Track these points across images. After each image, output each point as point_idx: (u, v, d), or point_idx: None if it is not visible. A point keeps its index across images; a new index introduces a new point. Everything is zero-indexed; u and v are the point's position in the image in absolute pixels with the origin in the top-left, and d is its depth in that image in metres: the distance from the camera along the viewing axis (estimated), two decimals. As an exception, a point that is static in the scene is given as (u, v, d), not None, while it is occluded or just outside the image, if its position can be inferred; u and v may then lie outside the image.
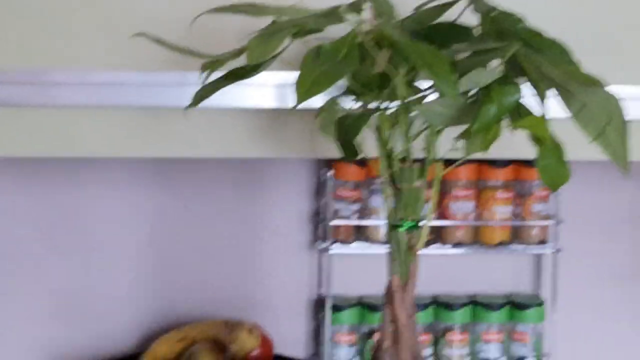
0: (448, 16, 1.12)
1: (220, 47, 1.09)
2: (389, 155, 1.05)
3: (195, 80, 1.08)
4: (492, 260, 1.61)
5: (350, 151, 1.07)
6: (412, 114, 1.05)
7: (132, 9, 1.21)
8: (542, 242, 1.58)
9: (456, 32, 1.09)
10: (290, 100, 1.15)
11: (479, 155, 1.04)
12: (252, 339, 1.46)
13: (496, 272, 1.62)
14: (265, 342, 1.49)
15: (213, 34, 1.15)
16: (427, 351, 1.56)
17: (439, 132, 1.06)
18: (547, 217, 1.57)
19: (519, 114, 1.01)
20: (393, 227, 1.06)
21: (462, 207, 1.54)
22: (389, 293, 1.05)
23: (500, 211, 1.55)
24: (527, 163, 1.53)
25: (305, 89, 0.95)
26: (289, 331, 1.58)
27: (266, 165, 1.55)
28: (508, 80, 1.01)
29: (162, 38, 1.11)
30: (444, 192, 1.54)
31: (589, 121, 0.99)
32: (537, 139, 1.02)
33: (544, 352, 1.59)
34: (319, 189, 1.57)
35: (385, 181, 1.06)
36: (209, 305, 1.56)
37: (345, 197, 1.52)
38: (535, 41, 1.05)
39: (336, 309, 1.54)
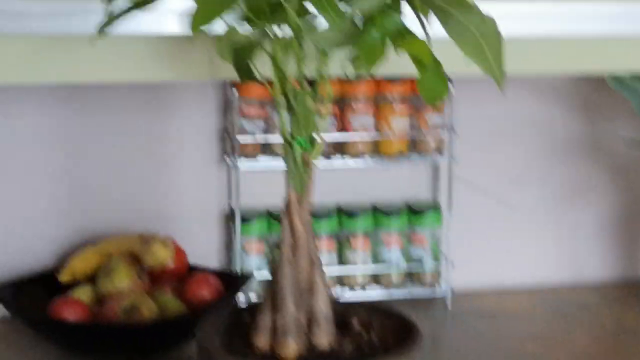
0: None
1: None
2: (282, 77, 1.13)
3: (97, 8, 1.14)
4: (392, 170, 1.70)
5: (245, 74, 1.15)
6: (304, 38, 1.12)
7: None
8: (438, 151, 1.68)
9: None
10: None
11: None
12: (166, 251, 1.53)
13: (395, 182, 1.71)
14: (179, 254, 1.57)
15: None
16: (333, 257, 1.66)
17: (328, 54, 1.13)
18: (442, 128, 1.66)
19: (402, 36, 1.09)
20: (288, 143, 1.13)
21: (362, 120, 1.63)
22: (287, 206, 1.14)
23: (398, 123, 1.64)
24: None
25: (199, 18, 1.02)
26: (202, 243, 1.66)
27: (175, 88, 1.61)
28: (391, 5, 1.09)
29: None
30: (345, 107, 1.62)
31: (467, 40, 1.08)
32: (417, 59, 1.10)
33: (441, 254, 1.70)
34: (226, 108, 1.64)
35: (280, 101, 1.14)
36: (123, 220, 1.62)
37: (251, 115, 1.60)
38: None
39: (245, 220, 1.62)
